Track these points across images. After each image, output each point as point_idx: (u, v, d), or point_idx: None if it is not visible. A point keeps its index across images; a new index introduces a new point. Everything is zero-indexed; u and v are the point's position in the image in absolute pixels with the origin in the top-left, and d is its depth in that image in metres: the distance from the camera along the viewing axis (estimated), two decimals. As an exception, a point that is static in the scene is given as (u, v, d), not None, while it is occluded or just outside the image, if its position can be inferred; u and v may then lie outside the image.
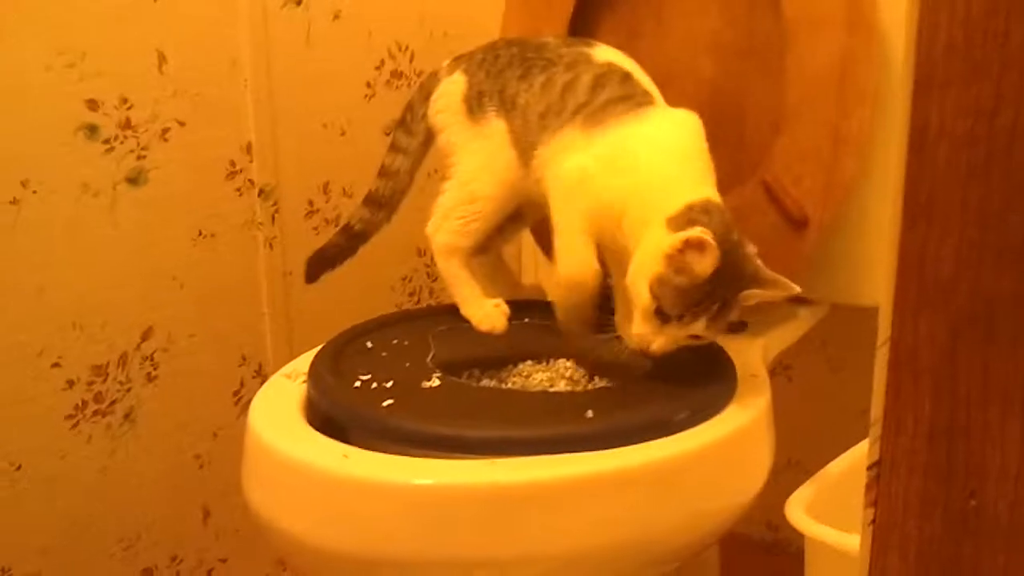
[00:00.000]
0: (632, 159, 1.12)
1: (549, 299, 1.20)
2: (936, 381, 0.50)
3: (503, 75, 1.22)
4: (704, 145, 1.14)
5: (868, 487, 0.53)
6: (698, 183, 1.11)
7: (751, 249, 1.06)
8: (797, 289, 1.04)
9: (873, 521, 0.53)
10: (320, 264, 1.34)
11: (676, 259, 1.02)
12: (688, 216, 1.05)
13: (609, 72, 1.17)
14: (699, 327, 1.04)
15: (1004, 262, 0.48)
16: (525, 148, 1.20)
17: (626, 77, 1.18)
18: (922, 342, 0.50)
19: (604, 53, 1.21)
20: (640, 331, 1.07)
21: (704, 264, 1.00)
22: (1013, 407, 0.48)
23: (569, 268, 1.15)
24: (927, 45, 0.49)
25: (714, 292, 1.02)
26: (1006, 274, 0.48)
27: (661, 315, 1.04)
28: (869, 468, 0.53)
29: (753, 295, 1.04)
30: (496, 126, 1.22)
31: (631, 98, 1.15)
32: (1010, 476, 0.49)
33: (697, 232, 1.00)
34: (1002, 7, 0.47)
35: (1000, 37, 0.47)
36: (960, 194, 0.49)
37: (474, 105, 1.23)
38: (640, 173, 1.11)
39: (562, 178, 1.15)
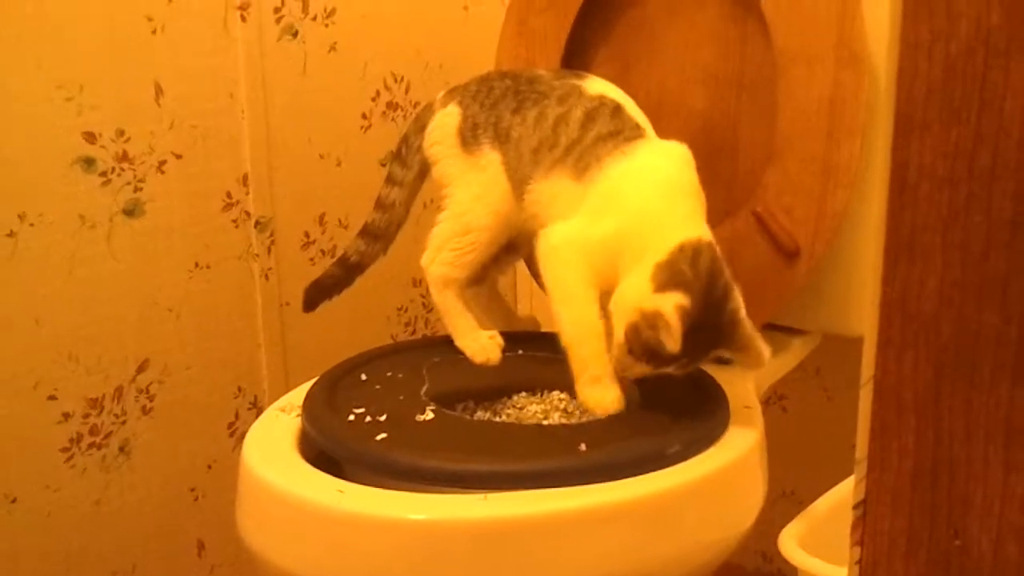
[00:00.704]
0: (622, 199, 1.13)
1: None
2: (920, 419, 0.50)
3: (497, 107, 1.23)
4: (694, 177, 1.15)
5: (854, 526, 0.53)
6: (688, 219, 1.12)
7: (735, 302, 1.08)
8: (766, 361, 1.08)
9: (859, 560, 0.53)
10: (317, 294, 1.35)
11: (648, 320, 1.04)
12: (674, 269, 1.07)
13: (600, 106, 1.18)
14: (669, 370, 1.08)
15: (985, 300, 0.48)
16: (518, 181, 1.21)
17: (617, 110, 1.18)
18: (906, 380, 0.51)
19: (595, 85, 1.22)
20: (618, 359, 1.10)
21: (669, 341, 1.02)
22: (996, 444, 0.49)
23: (569, 333, 1.14)
24: (907, 87, 0.49)
25: (686, 352, 1.04)
26: (988, 312, 0.48)
27: (632, 354, 1.07)
28: (855, 507, 0.53)
29: (722, 356, 1.09)
30: (490, 158, 1.23)
31: (620, 133, 1.16)
32: (993, 514, 0.49)
33: (666, 312, 1.02)
34: (979, 50, 0.47)
35: (978, 79, 0.47)
36: (941, 233, 0.49)
37: (468, 137, 1.24)
38: (630, 212, 1.12)
39: (547, 250, 1.16)
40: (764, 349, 1.08)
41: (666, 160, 1.16)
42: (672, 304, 1.03)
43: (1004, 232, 0.48)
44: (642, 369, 1.09)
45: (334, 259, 1.57)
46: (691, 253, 1.08)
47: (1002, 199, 0.48)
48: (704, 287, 1.05)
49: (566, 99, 1.20)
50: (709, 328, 1.06)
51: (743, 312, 1.08)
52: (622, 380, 1.14)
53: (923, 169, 0.49)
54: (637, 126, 1.18)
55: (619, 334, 1.08)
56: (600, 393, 1.12)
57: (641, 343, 1.05)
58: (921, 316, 0.50)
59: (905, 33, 0.49)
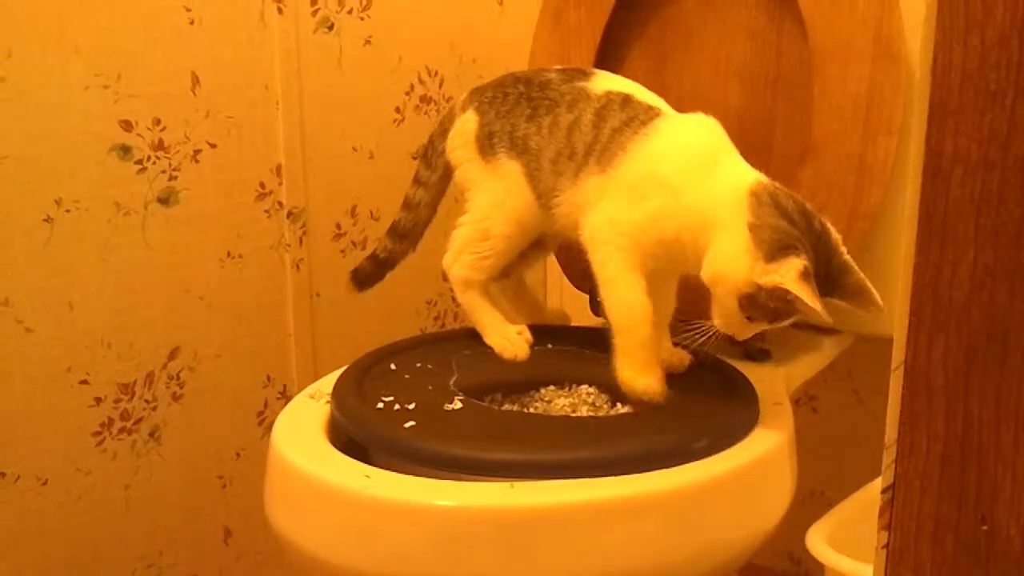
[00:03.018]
0: (656, 179, 1.12)
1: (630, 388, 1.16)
2: (950, 403, 0.50)
3: (512, 115, 1.23)
4: (726, 139, 1.14)
5: (882, 511, 0.53)
6: (736, 168, 1.11)
7: (836, 238, 1.06)
8: (881, 304, 1.02)
9: (887, 545, 0.53)
10: (358, 281, 1.37)
11: (772, 290, 1.01)
12: (772, 227, 1.03)
13: (608, 103, 1.17)
14: (785, 323, 1.06)
15: (1017, 285, 0.48)
16: (543, 192, 1.21)
17: (626, 100, 1.17)
18: (936, 365, 0.50)
19: (601, 83, 1.21)
20: (723, 324, 1.07)
21: (814, 306, 0.98)
22: (1025, 431, 0.48)
23: (621, 317, 1.14)
24: (942, 73, 0.49)
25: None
26: (1019, 297, 0.48)
27: (750, 318, 1.05)
28: (883, 491, 0.53)
29: (838, 305, 1.04)
30: (509, 167, 1.23)
31: (635, 119, 1.15)
32: (1022, 500, 0.49)
33: (795, 283, 0.98)
34: (1015, 36, 0.47)
35: (1013, 65, 0.47)
36: (974, 218, 0.49)
37: (485, 145, 1.24)
38: (669, 187, 1.11)
39: (594, 236, 1.15)
40: (876, 293, 1.03)
41: (692, 130, 1.15)
42: (795, 274, 0.99)
43: (1037, 218, 0.47)
44: (756, 327, 1.07)
45: (364, 251, 1.60)
46: (768, 199, 1.05)
47: (1036, 185, 0.47)
48: (808, 234, 1.03)
49: (575, 104, 1.19)
50: (826, 275, 1.02)
51: (845, 251, 1.05)
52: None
53: (957, 154, 0.49)
54: (650, 108, 1.17)
55: (726, 303, 1.05)
56: (645, 380, 1.11)
57: (766, 307, 1.02)
58: (952, 301, 0.50)
59: (941, 20, 0.49)
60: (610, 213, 1.13)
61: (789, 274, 0.99)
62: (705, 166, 1.11)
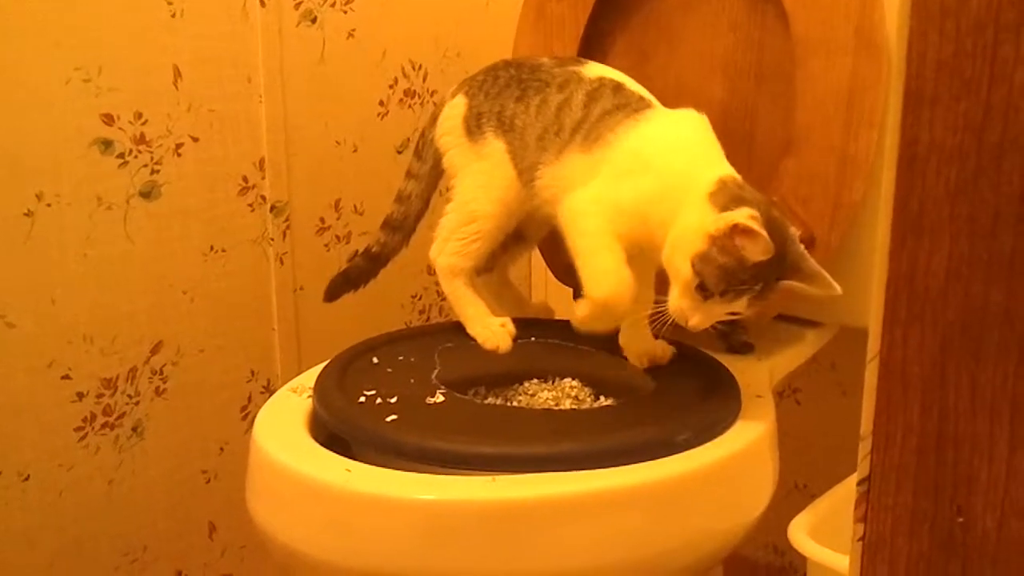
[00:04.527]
0: (642, 159, 1.12)
1: (577, 323, 1.17)
2: (925, 395, 0.50)
3: (501, 96, 1.24)
4: (713, 137, 1.14)
5: (858, 503, 0.53)
6: (721, 165, 1.11)
7: (793, 231, 1.05)
8: (838, 290, 1.02)
9: (862, 537, 0.53)
10: (342, 285, 1.37)
11: (722, 240, 1.00)
12: (729, 191, 1.05)
13: (600, 86, 1.18)
14: (740, 305, 1.03)
15: (993, 275, 0.48)
16: (525, 169, 1.21)
17: (618, 87, 1.18)
18: (911, 355, 0.50)
19: (595, 69, 1.22)
20: (679, 305, 1.05)
21: (755, 251, 0.99)
22: (1001, 421, 0.48)
23: (602, 287, 1.11)
24: (917, 61, 0.49)
25: (758, 273, 1.01)
26: (995, 287, 0.48)
27: (703, 291, 1.03)
28: (859, 483, 0.53)
29: (792, 287, 1.03)
30: (494, 146, 1.23)
31: (627, 106, 1.16)
32: (997, 491, 0.49)
33: (744, 218, 0.99)
34: (990, 23, 0.47)
35: (988, 52, 0.47)
36: (949, 208, 0.49)
37: (473, 126, 1.25)
38: (654, 169, 1.11)
39: (573, 209, 1.15)
40: (831, 279, 1.03)
41: (679, 122, 1.16)
42: (746, 213, 0.99)
43: (1012, 207, 0.47)
44: (709, 310, 1.04)
45: (349, 245, 1.59)
46: (734, 185, 1.06)
47: (1011, 173, 0.47)
48: (764, 208, 1.02)
49: (566, 85, 1.20)
50: (778, 249, 1.01)
51: (800, 244, 1.05)
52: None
53: (932, 143, 0.49)
54: (642, 98, 1.18)
55: (683, 276, 1.04)
56: (613, 285, 1.10)
57: (718, 267, 1.01)
58: (928, 292, 0.50)
59: (916, 7, 0.49)
60: (592, 192, 1.14)
61: (740, 213, 0.99)
62: (688, 157, 1.11)
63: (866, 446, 0.52)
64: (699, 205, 1.05)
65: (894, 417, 0.51)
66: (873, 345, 0.51)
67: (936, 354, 0.50)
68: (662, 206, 1.08)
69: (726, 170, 1.10)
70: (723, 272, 1.01)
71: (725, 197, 1.04)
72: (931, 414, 0.50)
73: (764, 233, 0.98)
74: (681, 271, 1.04)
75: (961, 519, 0.50)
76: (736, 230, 0.99)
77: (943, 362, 0.49)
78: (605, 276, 1.11)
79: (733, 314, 1.05)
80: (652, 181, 1.10)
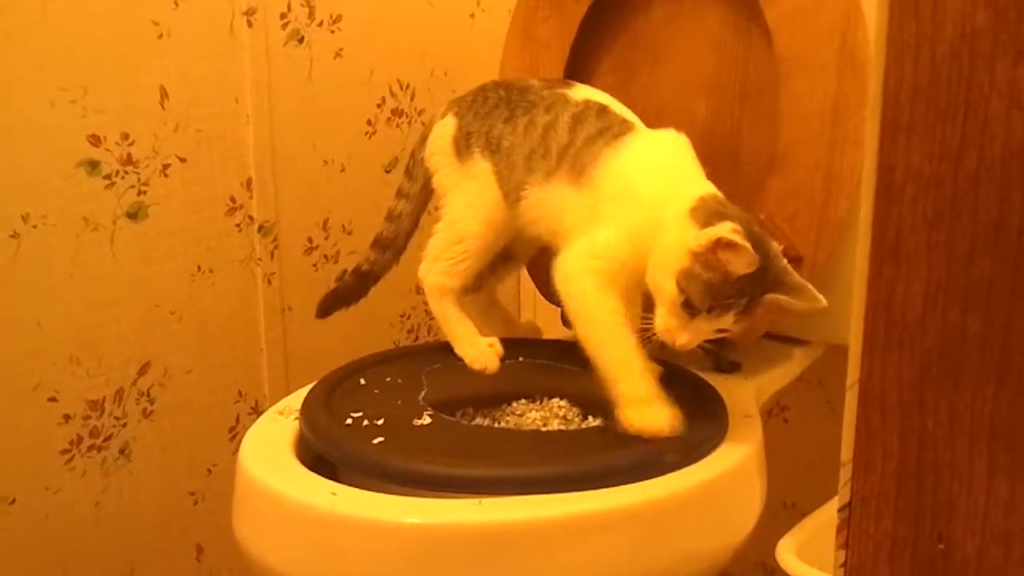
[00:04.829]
0: (624, 189, 1.12)
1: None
2: (905, 422, 0.50)
3: (490, 117, 1.24)
4: (693, 156, 1.14)
5: (839, 529, 0.53)
6: (701, 183, 1.11)
7: (776, 246, 1.05)
8: (823, 302, 1.01)
9: (844, 564, 0.53)
10: (334, 302, 1.37)
11: (705, 256, 1.00)
12: (707, 207, 1.04)
13: (586, 109, 1.19)
14: (727, 321, 1.02)
15: (970, 302, 0.48)
16: (512, 189, 1.21)
17: (602, 110, 1.19)
18: (890, 383, 0.50)
19: (581, 92, 1.23)
20: (666, 325, 1.04)
21: (739, 264, 0.98)
22: (980, 448, 0.48)
23: (607, 357, 1.09)
24: (894, 88, 0.49)
25: (744, 288, 1.00)
26: (972, 314, 0.48)
27: (689, 308, 1.02)
28: (840, 510, 0.53)
29: (777, 300, 1.02)
30: (481, 166, 1.24)
31: (608, 130, 1.16)
32: (977, 518, 0.48)
33: (727, 232, 0.98)
34: (965, 51, 0.47)
35: (964, 80, 0.47)
36: (927, 235, 0.49)
37: (462, 146, 1.25)
38: (635, 195, 1.11)
39: (566, 266, 1.13)
40: (816, 292, 1.02)
41: (659, 145, 1.16)
42: (728, 227, 0.98)
43: (989, 234, 0.47)
44: (697, 328, 1.03)
45: (337, 264, 1.59)
46: (715, 202, 1.06)
47: (987, 201, 0.47)
48: (745, 223, 1.02)
49: (552, 107, 1.20)
50: (762, 264, 1.00)
51: (784, 259, 1.04)
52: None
53: (909, 171, 0.49)
54: (624, 121, 1.18)
55: (667, 294, 1.03)
56: (652, 415, 1.05)
57: (703, 283, 1.00)
58: (906, 319, 0.50)
59: (892, 35, 0.49)
60: (580, 255, 1.13)
61: (723, 227, 0.99)
62: (668, 179, 1.11)
63: (846, 473, 0.52)
64: (680, 223, 1.04)
65: (874, 444, 0.51)
66: (852, 372, 0.51)
67: (915, 381, 0.50)
68: (647, 230, 1.08)
69: (707, 188, 1.10)
70: (708, 288, 1.01)
71: (706, 213, 1.04)
72: (910, 441, 0.50)
73: (747, 245, 0.97)
74: (665, 289, 1.03)
75: (942, 546, 0.50)
76: (719, 244, 0.99)
77: (922, 389, 0.49)
78: (607, 351, 1.09)
79: (721, 331, 1.04)
80: (635, 208, 1.10)
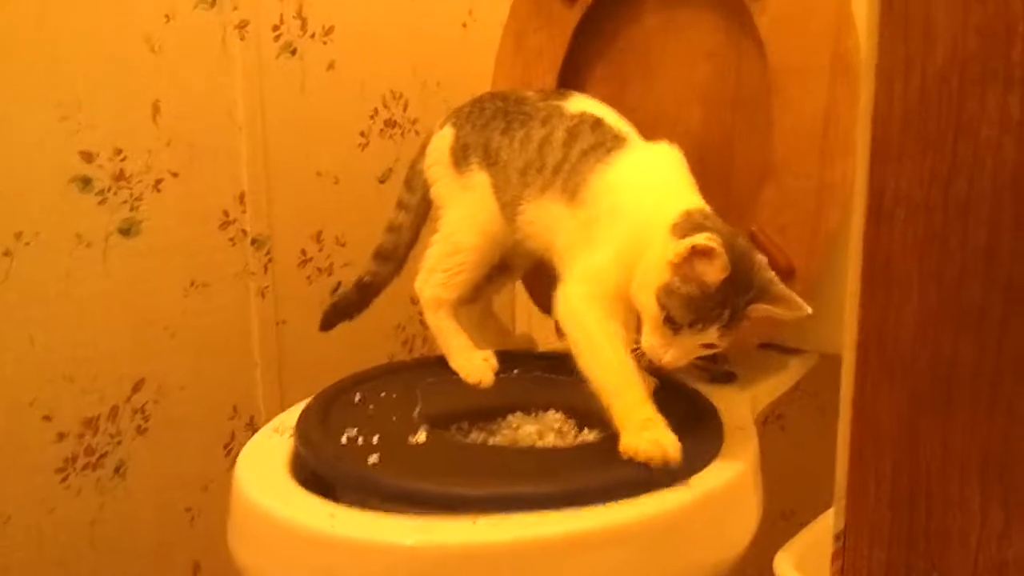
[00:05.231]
0: (613, 207, 1.11)
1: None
2: (897, 449, 0.50)
3: (488, 128, 1.24)
4: (686, 171, 1.14)
5: (834, 557, 0.52)
6: (688, 197, 1.10)
7: (761, 259, 1.04)
8: (808, 310, 1.01)
9: (839, 591, 0.53)
10: (335, 315, 1.37)
11: (682, 267, 0.99)
12: (691, 221, 1.04)
13: (580, 123, 1.18)
14: (711, 335, 1.02)
15: (962, 329, 0.48)
16: (508, 203, 1.21)
17: (597, 124, 1.18)
18: (883, 410, 0.50)
19: (577, 103, 1.22)
20: (651, 343, 1.03)
21: (714, 271, 0.98)
22: (972, 475, 0.48)
23: (610, 379, 1.07)
24: (883, 114, 0.49)
25: (724, 300, 1.00)
26: (964, 341, 0.48)
27: (672, 324, 1.01)
28: (836, 537, 0.52)
29: (762, 310, 1.01)
30: (479, 178, 1.23)
31: (602, 145, 1.16)
32: (971, 547, 0.48)
33: (703, 239, 0.97)
34: (955, 76, 0.47)
35: (954, 106, 0.47)
36: (917, 261, 0.49)
37: (459, 157, 1.25)
38: (623, 212, 1.10)
39: (566, 311, 1.12)
40: (801, 300, 1.01)
41: (650, 160, 1.15)
42: (705, 235, 0.97)
43: (979, 260, 0.47)
44: (682, 344, 1.02)
45: (331, 277, 1.59)
46: (699, 216, 1.05)
47: (977, 227, 0.47)
48: (727, 235, 1.01)
49: (548, 120, 1.20)
50: (743, 275, 1.00)
51: (769, 270, 1.04)
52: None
53: (899, 196, 0.49)
54: (617, 136, 1.17)
55: (650, 311, 1.02)
56: (653, 438, 1.02)
57: (682, 297, 0.99)
58: (898, 345, 0.49)
59: (881, 61, 0.49)
60: (577, 273, 1.12)
61: (699, 236, 0.98)
62: (656, 195, 1.11)
63: (841, 501, 0.52)
64: (662, 238, 1.03)
65: (867, 472, 0.51)
66: (845, 400, 0.51)
67: (907, 409, 0.49)
68: (633, 247, 1.07)
69: (693, 202, 1.09)
70: (688, 302, 1.00)
71: (687, 227, 1.03)
72: (903, 469, 0.50)
73: (720, 249, 0.97)
74: (648, 307, 1.03)
75: (936, 575, 0.49)
76: (694, 252, 0.98)
77: (914, 417, 0.49)
78: (607, 377, 1.07)
79: (708, 347, 1.04)
80: (621, 226, 1.09)
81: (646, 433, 1.03)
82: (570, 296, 1.12)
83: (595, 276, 1.11)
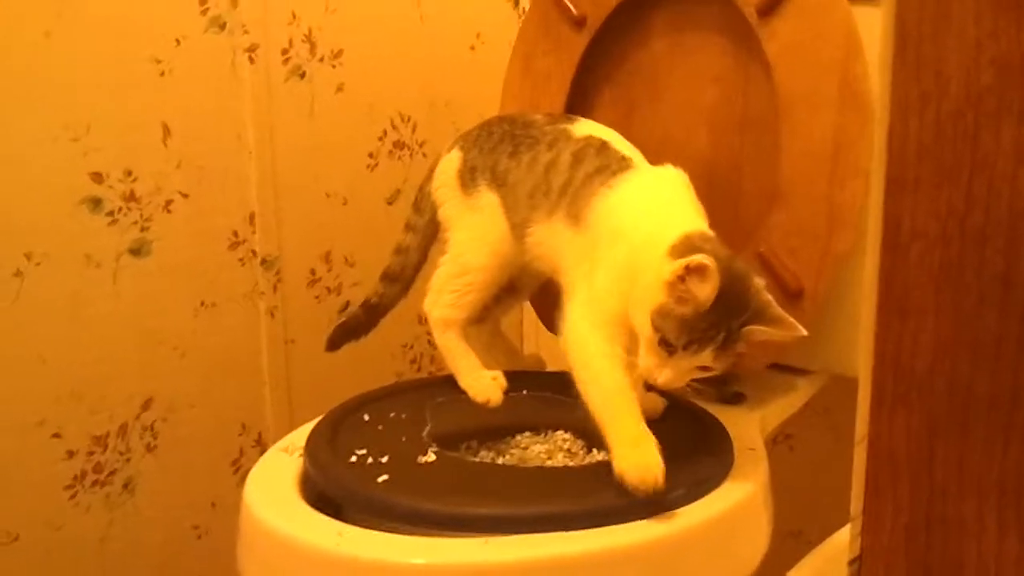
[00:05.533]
0: (615, 230, 1.12)
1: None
2: (914, 477, 0.50)
3: (495, 151, 1.25)
4: (691, 194, 1.14)
5: (849, 582, 0.53)
6: (690, 221, 1.10)
7: (758, 282, 1.04)
8: (803, 332, 1.01)
9: (855, 616, 0.53)
10: (343, 335, 1.38)
11: (677, 287, 0.99)
12: (689, 243, 1.04)
13: (586, 146, 1.19)
14: (706, 358, 1.01)
15: (979, 358, 0.48)
16: (517, 224, 1.22)
17: (603, 147, 1.19)
18: (898, 438, 0.51)
19: (584, 127, 1.23)
20: (646, 364, 1.03)
21: (705, 290, 0.98)
22: (989, 504, 0.48)
23: (603, 402, 1.07)
24: (899, 147, 0.49)
25: (719, 321, 1.00)
26: (980, 370, 0.48)
27: (666, 346, 1.02)
28: (850, 563, 0.53)
29: (758, 331, 1.02)
30: (488, 199, 1.24)
31: (607, 168, 1.16)
32: (988, 572, 0.49)
33: (698, 257, 0.98)
34: (970, 110, 0.47)
35: (969, 140, 0.48)
36: (934, 292, 0.49)
37: (467, 179, 1.26)
38: (625, 235, 1.10)
39: (569, 336, 1.12)
40: (796, 323, 1.01)
41: (654, 183, 1.16)
42: (700, 256, 0.97)
43: (996, 291, 0.48)
44: (676, 366, 1.02)
45: (340, 297, 1.60)
46: (699, 239, 1.05)
47: (994, 258, 0.48)
48: (724, 258, 1.01)
49: (555, 144, 1.21)
50: (738, 298, 1.00)
51: (767, 293, 1.04)
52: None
53: (915, 228, 0.49)
54: (623, 158, 1.17)
55: (645, 332, 1.03)
56: (640, 457, 1.01)
57: (676, 318, 0.99)
58: (914, 374, 0.50)
59: (895, 94, 0.50)
60: (580, 297, 1.13)
61: (694, 257, 0.98)
62: (658, 218, 1.11)
63: (856, 526, 0.52)
64: (660, 260, 1.03)
65: (883, 498, 0.51)
66: (861, 427, 0.51)
67: (923, 437, 0.50)
68: (634, 269, 1.07)
69: (695, 225, 1.09)
70: (681, 323, 1.00)
71: (685, 249, 1.03)
72: (920, 496, 0.50)
73: (713, 266, 0.97)
74: (643, 328, 1.03)
75: (953, 602, 0.50)
76: (689, 271, 0.98)
77: (931, 445, 0.50)
78: (604, 397, 1.08)
79: (704, 369, 1.04)
80: (622, 248, 1.10)
81: (633, 452, 1.02)
82: (573, 322, 1.12)
83: (596, 300, 1.11)
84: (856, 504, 0.52)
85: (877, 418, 0.51)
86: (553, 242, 1.18)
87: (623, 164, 1.16)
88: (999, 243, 0.48)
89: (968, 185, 0.48)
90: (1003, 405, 0.48)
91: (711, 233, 1.08)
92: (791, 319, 1.02)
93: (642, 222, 1.11)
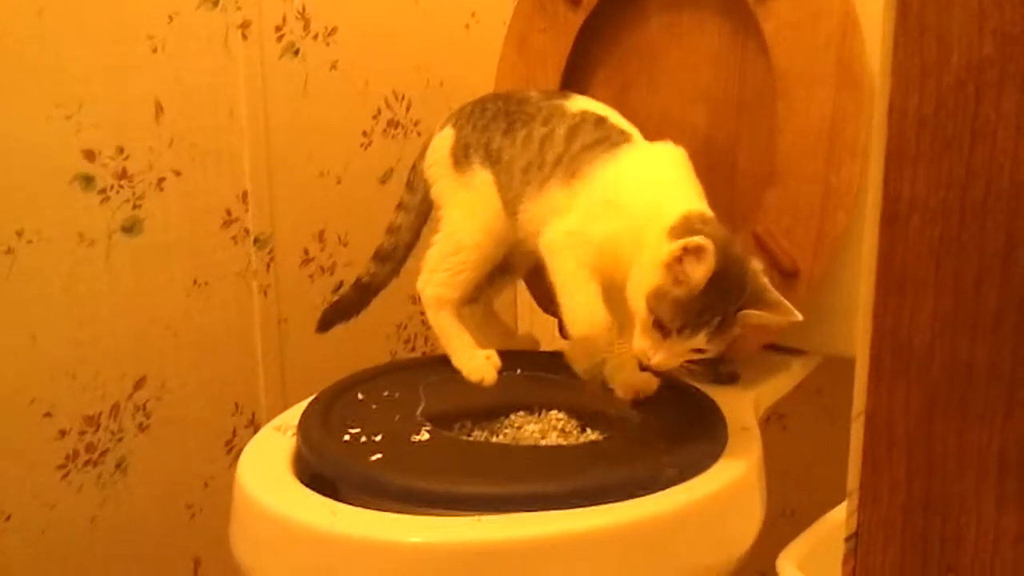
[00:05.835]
0: (617, 198, 1.12)
1: (566, 357, 1.19)
2: (912, 452, 0.50)
3: (489, 129, 1.24)
4: (691, 172, 1.14)
5: (846, 559, 0.53)
6: (689, 200, 1.10)
7: (756, 266, 1.05)
8: (799, 316, 1.02)
9: (852, 593, 0.53)
10: (335, 315, 1.38)
11: (674, 268, 1.00)
12: (688, 225, 1.04)
13: (583, 120, 1.19)
14: (700, 340, 1.02)
15: (978, 333, 0.48)
16: (510, 201, 1.21)
17: (600, 121, 1.19)
18: (897, 413, 0.50)
19: (579, 103, 1.23)
20: (640, 345, 1.04)
21: (700, 271, 0.98)
22: (988, 478, 0.48)
23: (580, 325, 1.12)
24: (899, 119, 0.49)
25: (713, 305, 1.00)
26: (980, 344, 0.48)
27: (661, 328, 1.02)
28: (847, 539, 0.53)
29: (753, 315, 1.02)
30: (481, 177, 1.24)
31: (606, 139, 1.16)
32: (986, 550, 0.48)
33: (696, 239, 0.98)
34: (971, 81, 0.47)
35: (970, 111, 0.47)
36: (934, 266, 0.49)
37: (460, 157, 1.25)
38: (625, 208, 1.11)
39: (552, 242, 1.15)
40: (792, 307, 1.02)
41: (657, 156, 1.16)
42: (697, 239, 0.98)
43: (996, 264, 0.47)
44: (670, 348, 1.03)
45: (333, 276, 1.59)
46: (698, 220, 1.05)
47: (995, 231, 0.47)
48: (722, 240, 1.01)
49: (550, 119, 1.20)
50: (734, 281, 1.01)
51: (764, 277, 1.04)
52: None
53: (915, 201, 0.49)
54: (623, 132, 1.18)
55: (640, 314, 1.03)
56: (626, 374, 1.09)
57: (671, 301, 1.00)
58: (913, 349, 0.50)
59: (896, 64, 0.49)
60: (568, 225, 1.14)
61: (692, 238, 0.99)
62: (657, 193, 1.11)
63: (853, 502, 0.52)
64: (659, 240, 1.04)
65: (880, 474, 0.51)
66: (859, 402, 0.51)
67: (922, 411, 0.49)
68: (630, 244, 1.07)
69: (694, 205, 1.09)
70: (676, 306, 1.00)
71: (684, 231, 1.03)
72: (918, 472, 0.50)
73: (710, 247, 0.97)
74: (639, 308, 1.04)
75: (950, 576, 0.50)
76: (686, 251, 0.99)
77: (929, 420, 0.49)
78: (580, 312, 1.12)
79: (699, 351, 1.04)
80: (621, 220, 1.10)
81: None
82: (560, 232, 1.14)
83: (584, 241, 1.12)
84: (853, 479, 0.51)
85: (875, 393, 0.50)
86: (544, 213, 1.17)
87: (623, 137, 1.16)
88: (1000, 216, 0.47)
89: (968, 157, 0.47)
90: (1002, 380, 0.48)
91: (710, 214, 1.08)
92: (787, 303, 1.02)
93: (641, 197, 1.11)
